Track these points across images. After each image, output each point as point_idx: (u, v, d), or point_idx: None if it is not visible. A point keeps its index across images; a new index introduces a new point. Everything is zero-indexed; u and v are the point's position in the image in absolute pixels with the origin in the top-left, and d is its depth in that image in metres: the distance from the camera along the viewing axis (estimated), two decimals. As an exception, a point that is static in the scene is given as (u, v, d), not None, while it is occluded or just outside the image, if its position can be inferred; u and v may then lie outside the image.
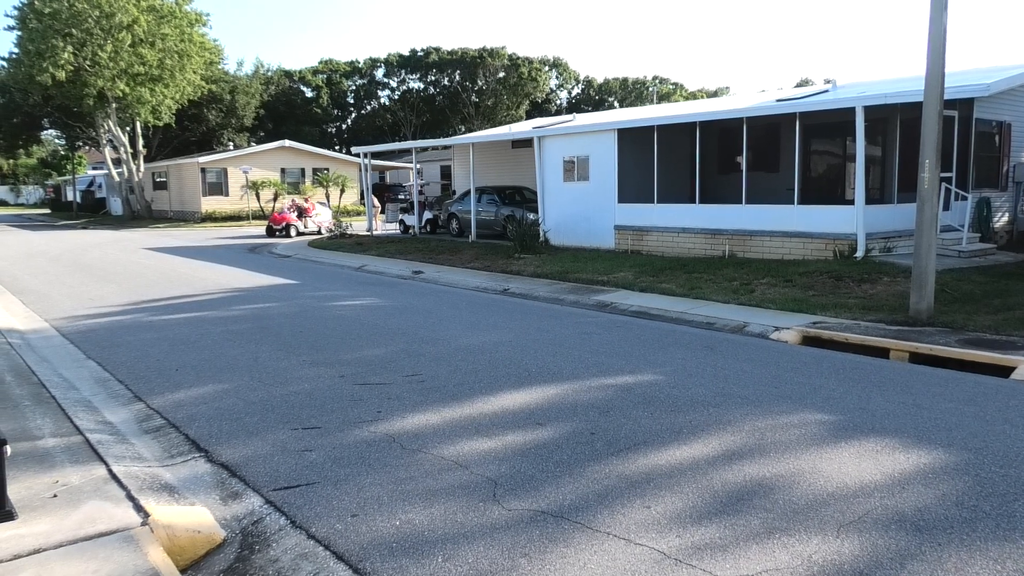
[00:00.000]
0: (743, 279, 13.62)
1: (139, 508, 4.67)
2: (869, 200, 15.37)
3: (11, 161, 73.92)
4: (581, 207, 20.28)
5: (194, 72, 41.02)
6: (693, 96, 77.21)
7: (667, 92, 79.09)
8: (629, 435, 5.79)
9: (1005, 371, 7.85)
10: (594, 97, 78.53)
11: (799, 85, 65.65)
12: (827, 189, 18.69)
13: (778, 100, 19.48)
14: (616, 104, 75.18)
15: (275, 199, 40.83)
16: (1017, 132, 17.66)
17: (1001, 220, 17.73)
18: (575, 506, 4.58)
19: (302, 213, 31.16)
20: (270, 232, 30.43)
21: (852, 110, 14.55)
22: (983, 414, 6.19)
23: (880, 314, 10.48)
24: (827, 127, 17.60)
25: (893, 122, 16.55)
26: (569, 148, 20.74)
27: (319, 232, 30.49)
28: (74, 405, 6.97)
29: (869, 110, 14.49)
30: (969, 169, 16.47)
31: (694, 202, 18.19)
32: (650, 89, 77.91)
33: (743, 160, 17.28)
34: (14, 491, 4.66)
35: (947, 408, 6.37)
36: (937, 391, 6.97)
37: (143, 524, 4.45)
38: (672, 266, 15.54)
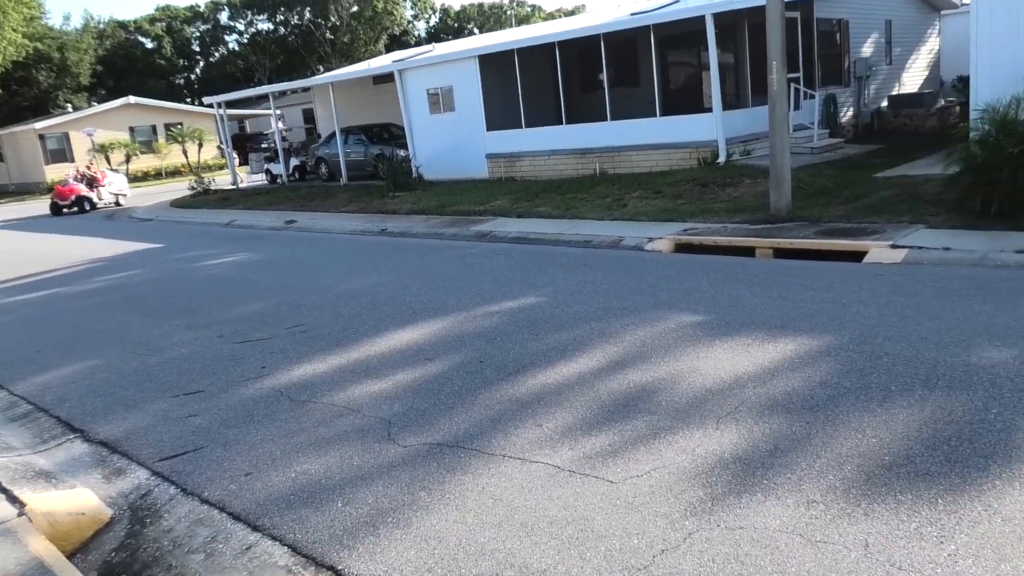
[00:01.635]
0: (615, 195, 13.91)
1: (13, 499, 4.42)
2: (726, 106, 15.89)
3: None
4: (451, 139, 20.05)
5: (13, 30, 37.49)
6: (551, 17, 76.87)
7: (526, 15, 78.40)
8: (517, 358, 5.90)
9: (858, 256, 8.41)
10: (453, 26, 77.00)
11: (653, -2, 66.47)
12: (687, 99, 19.17)
13: (632, 14, 19.65)
14: (476, 31, 74.03)
15: (127, 160, 38.33)
16: (855, 28, 18.54)
17: (847, 115, 18.74)
18: (469, 434, 4.65)
19: (92, 183, 26.86)
20: (55, 210, 26.04)
21: (703, 18, 14.86)
22: (840, 298, 6.63)
23: (744, 215, 10.96)
24: (681, 37, 17.93)
25: (742, 28, 17.06)
26: (432, 80, 20.34)
27: (117, 203, 26.96)
28: (-75, 403, 6.45)
29: (718, 17, 14.83)
30: (815, 68, 17.23)
31: (561, 123, 18.31)
32: (508, 13, 76.98)
33: (604, 77, 17.44)
34: None
35: (808, 296, 6.79)
36: (799, 281, 7.41)
37: (20, 515, 4.22)
38: (546, 189, 15.68)
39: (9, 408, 6.37)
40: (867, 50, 19.17)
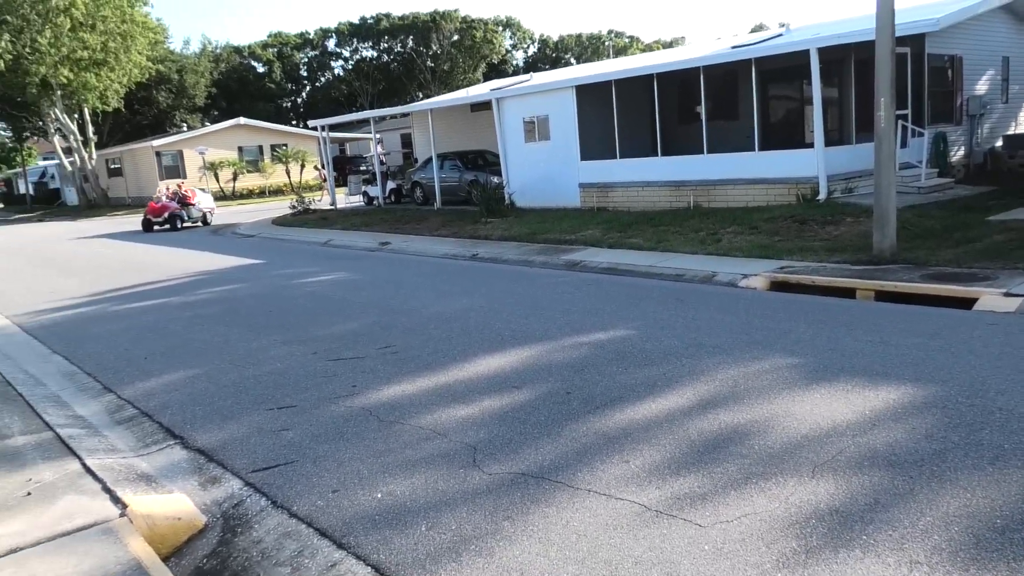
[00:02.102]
0: (709, 229, 13.69)
1: (116, 500, 4.62)
2: (828, 142, 15.48)
3: (-43, 156, 71.63)
4: (544, 167, 20.18)
5: (139, 53, 39.86)
6: (649, 48, 76.77)
7: (623, 46, 78.58)
8: (604, 391, 5.83)
9: (968, 303, 8.00)
10: (550, 55, 77.83)
11: (754, 30, 65.56)
12: (787, 134, 18.78)
13: (733, 47, 19.43)
14: (573, 61, 74.61)
15: (234, 178, 40.14)
16: (969, 65, 17.82)
17: (958, 154, 17.96)
18: (555, 466, 4.61)
19: (183, 202, 27.38)
20: (147, 226, 26.71)
21: (807, 53, 14.58)
22: (948, 347, 6.31)
23: (845, 255, 10.61)
24: (783, 71, 17.61)
25: (848, 63, 16.62)
26: (528, 108, 20.57)
27: (205, 221, 27.65)
28: (42, 401, 6.85)
29: (824, 52, 14.51)
30: (924, 105, 16.61)
31: (656, 155, 18.19)
32: (606, 44, 77.32)
33: (702, 110, 17.26)
34: (-14, 493, 4.58)
35: (914, 343, 6.49)
36: (903, 327, 7.09)
37: (121, 515, 4.41)
38: (638, 220, 15.57)
39: (117, 410, 6.69)
40: (981, 87, 18.37)
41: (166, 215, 26.54)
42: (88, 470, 5.08)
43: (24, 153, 59.38)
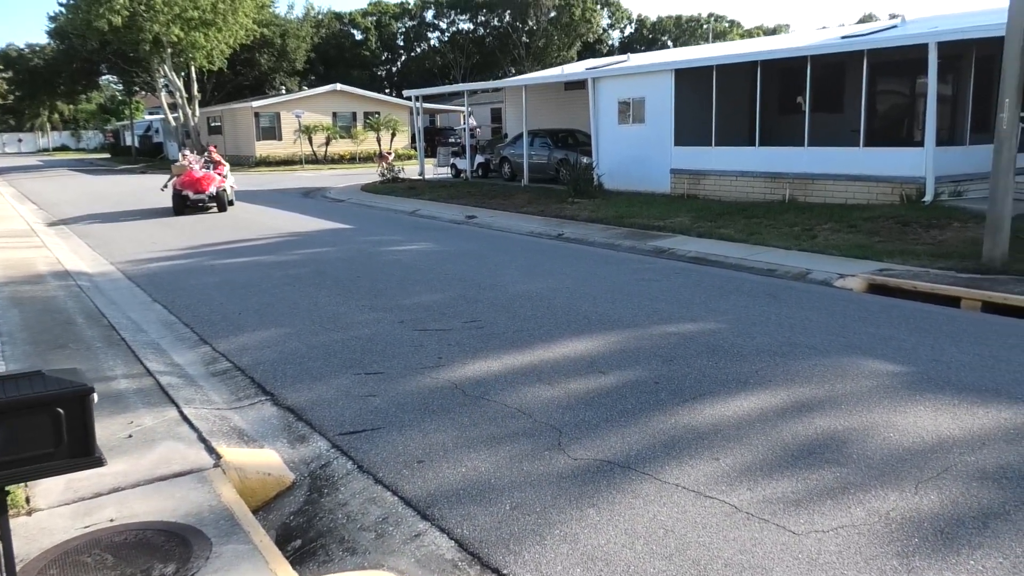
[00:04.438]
0: (805, 224, 13.24)
1: (211, 450, 4.77)
2: (939, 142, 14.72)
3: (72, 107, 75.30)
4: (636, 150, 19.86)
5: (246, 16, 40.91)
6: (750, 34, 74.54)
7: (723, 30, 76.50)
8: (694, 385, 5.70)
9: (1087, 322, 7.51)
10: (647, 36, 76.40)
11: (862, 21, 62.89)
12: (894, 130, 17.95)
13: (843, 37, 18.65)
14: (670, 44, 73.10)
15: (327, 143, 40.93)
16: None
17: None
18: (642, 456, 4.54)
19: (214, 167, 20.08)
20: (180, 206, 18.85)
21: (924, 47, 13.84)
22: (1066, 367, 5.94)
23: (950, 261, 10.10)
24: (895, 65, 16.79)
25: (968, 59, 15.73)
26: (624, 90, 20.23)
27: (224, 203, 19.50)
28: (143, 347, 7.14)
29: (942, 46, 13.76)
30: (1050, 108, 15.60)
31: (753, 145, 17.66)
32: (705, 27, 75.42)
33: (806, 101, 16.65)
34: (92, 432, 4.79)
35: (1027, 360, 6.13)
36: (1015, 342, 6.71)
37: (215, 466, 4.55)
38: (730, 211, 15.19)
39: (212, 362, 6.92)
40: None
41: (212, 191, 18.97)
42: (185, 419, 5.26)
43: (132, 107, 62.00)
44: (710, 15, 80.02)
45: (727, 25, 79.57)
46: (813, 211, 14.43)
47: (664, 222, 14.60)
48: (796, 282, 9.75)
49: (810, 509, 3.86)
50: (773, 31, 74.26)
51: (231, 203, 20.04)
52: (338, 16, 70.34)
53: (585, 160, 20.89)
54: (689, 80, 18.57)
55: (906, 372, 5.90)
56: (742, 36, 70.82)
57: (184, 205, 18.76)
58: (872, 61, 15.30)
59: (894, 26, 19.33)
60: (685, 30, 76.81)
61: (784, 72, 18.26)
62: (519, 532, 3.78)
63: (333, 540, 3.95)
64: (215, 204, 19.10)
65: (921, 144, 14.66)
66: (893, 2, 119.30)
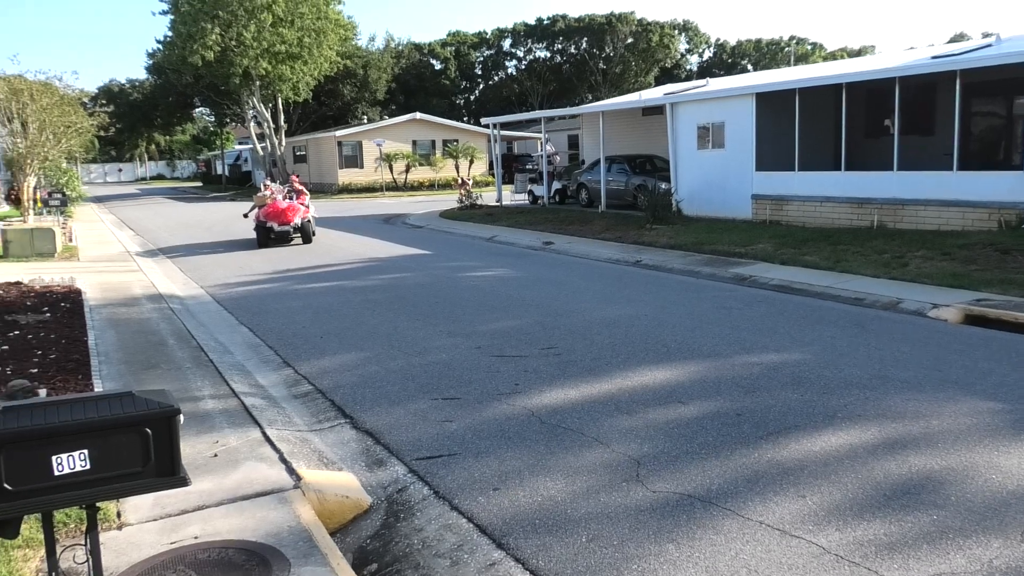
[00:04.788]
0: (895, 252, 12.75)
1: (291, 471, 4.85)
2: (1041, 165, 14.02)
3: (167, 138, 79.19)
4: (716, 175, 19.56)
5: (330, 48, 42.36)
6: (833, 56, 72.85)
7: (805, 53, 75.02)
8: (778, 417, 5.51)
9: None
10: (726, 61, 75.56)
11: (952, 40, 60.73)
12: (990, 153, 17.20)
13: (934, 57, 18.01)
14: (750, 67, 72.09)
15: (407, 170, 41.75)
16: None
17: None
18: (724, 491, 4.39)
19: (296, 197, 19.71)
20: (265, 238, 18.40)
21: (1021, 65, 13.26)
22: None
23: (1055, 291, 9.55)
24: (991, 84, 16.11)
25: (1072, 79, 14.99)
26: (703, 114, 20.01)
27: (307, 234, 18.82)
28: (230, 369, 7.35)
29: (1045, 66, 13.15)
30: None
31: (839, 169, 17.16)
32: (787, 50, 74.14)
33: (894, 123, 16.12)
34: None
35: None
36: None
37: (295, 487, 4.62)
38: (815, 237, 14.76)
39: (294, 384, 7.07)
40: None
41: (298, 222, 18.48)
42: (268, 439, 5.37)
43: (223, 137, 64.75)
44: (791, 38, 78.64)
45: (809, 48, 78.02)
46: (903, 238, 13.90)
47: (745, 249, 14.29)
48: (886, 312, 9.37)
49: (905, 553, 3.66)
50: (858, 52, 72.38)
51: (313, 233, 19.31)
52: (417, 47, 72.00)
53: (663, 186, 20.69)
54: (771, 104, 18.23)
55: (1009, 409, 5.57)
56: (825, 59, 69.25)
57: (268, 237, 18.33)
58: (965, 81, 14.72)
59: (988, 45, 18.56)
60: (765, 53, 75.65)
61: (870, 94, 17.75)
62: (595, 565, 3.70)
63: (408, 566, 3.94)
64: (299, 235, 18.63)
65: (1020, 168, 13.99)
66: (985, 21, 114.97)
